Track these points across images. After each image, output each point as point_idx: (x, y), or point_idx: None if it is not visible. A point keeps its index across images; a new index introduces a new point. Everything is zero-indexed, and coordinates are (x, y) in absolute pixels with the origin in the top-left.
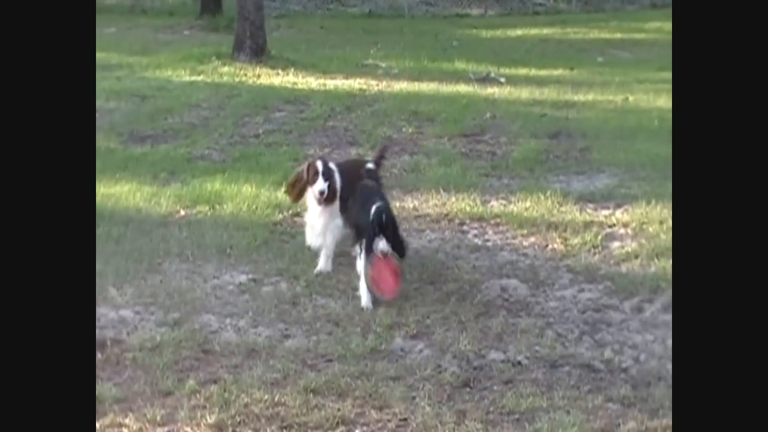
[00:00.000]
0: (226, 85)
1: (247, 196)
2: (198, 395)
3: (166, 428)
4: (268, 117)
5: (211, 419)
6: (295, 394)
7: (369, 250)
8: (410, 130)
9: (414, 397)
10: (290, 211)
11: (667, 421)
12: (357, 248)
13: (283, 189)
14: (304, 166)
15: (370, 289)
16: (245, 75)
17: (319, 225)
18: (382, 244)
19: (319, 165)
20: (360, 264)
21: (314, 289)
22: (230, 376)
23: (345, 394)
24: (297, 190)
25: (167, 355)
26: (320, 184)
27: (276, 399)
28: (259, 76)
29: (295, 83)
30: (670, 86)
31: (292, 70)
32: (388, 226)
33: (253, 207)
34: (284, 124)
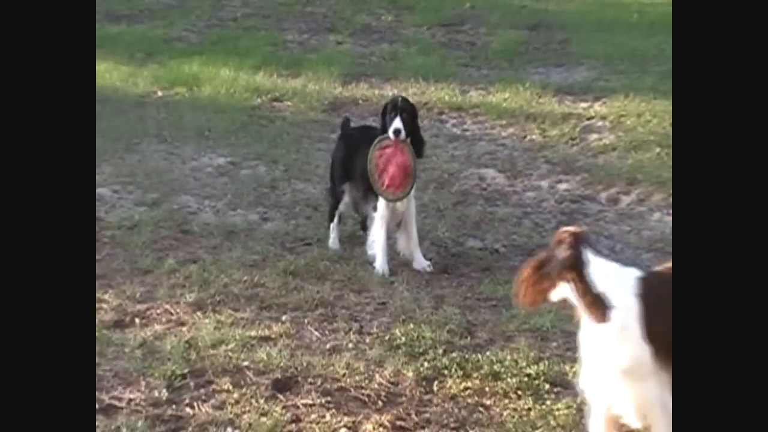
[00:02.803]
0: None
1: (225, 80)
2: (177, 274)
3: (145, 305)
4: (246, 1)
5: (190, 298)
6: (274, 275)
7: (383, 133)
8: (389, 19)
9: (393, 282)
10: (269, 96)
11: None
12: (365, 212)
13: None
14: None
15: (374, 186)
16: None
17: None
18: (396, 122)
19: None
20: (374, 230)
21: (293, 173)
22: (209, 257)
23: (324, 277)
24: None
25: (146, 234)
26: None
27: (255, 280)
28: None
29: None
30: None
31: None
32: (406, 109)
33: (232, 90)
34: (262, 8)
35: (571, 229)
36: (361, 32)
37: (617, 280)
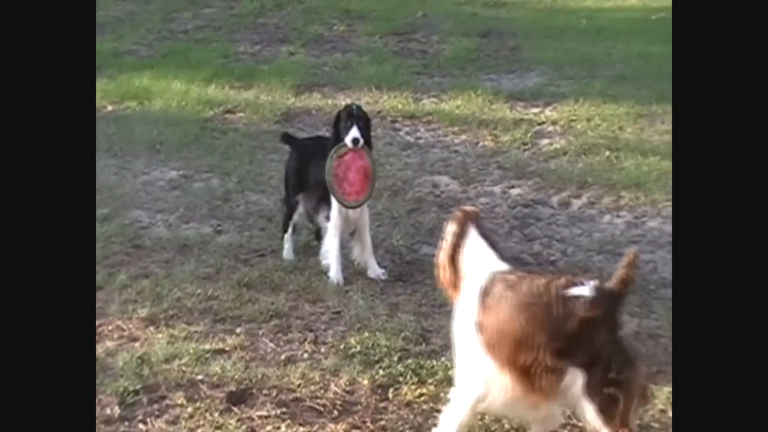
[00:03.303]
0: None
1: (177, 92)
2: (129, 289)
3: (98, 321)
4: (197, 13)
5: (143, 313)
6: (228, 288)
7: (336, 143)
8: (342, 28)
9: (347, 291)
10: (221, 108)
11: None
12: (318, 221)
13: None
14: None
15: (335, 195)
16: None
17: None
18: (354, 131)
19: None
20: (328, 239)
21: (246, 185)
22: (162, 271)
23: (278, 288)
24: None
25: (97, 250)
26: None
27: (209, 293)
28: None
29: None
30: None
31: None
32: (361, 117)
33: (183, 103)
34: (214, 21)
35: (465, 207)
36: (313, 42)
37: (478, 266)
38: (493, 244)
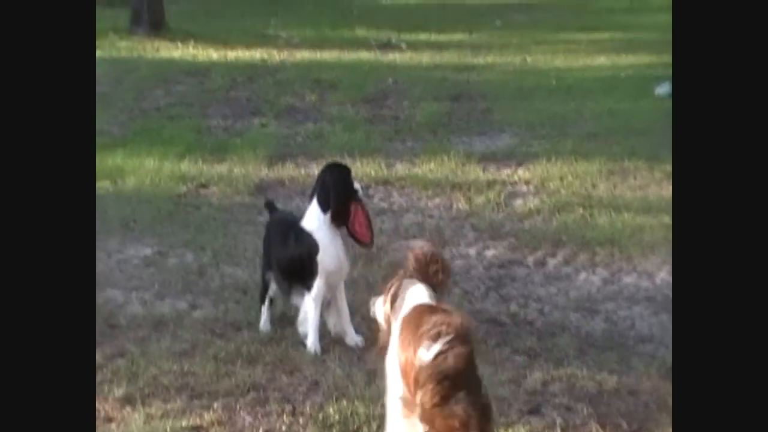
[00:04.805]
0: (123, 59)
1: (150, 170)
2: (105, 369)
3: None
4: (169, 90)
5: (119, 393)
6: (204, 363)
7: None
8: (313, 98)
9: (324, 360)
10: (194, 182)
11: (572, 369)
12: (293, 297)
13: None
14: None
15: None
16: (144, 49)
17: None
18: (356, 184)
19: None
20: (307, 308)
21: (221, 258)
22: (137, 349)
23: (255, 360)
24: None
25: None
26: None
27: (185, 369)
28: (158, 50)
29: (195, 55)
30: (566, 46)
31: (192, 42)
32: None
33: (157, 180)
34: (185, 97)
35: (416, 249)
36: (285, 113)
37: (407, 299)
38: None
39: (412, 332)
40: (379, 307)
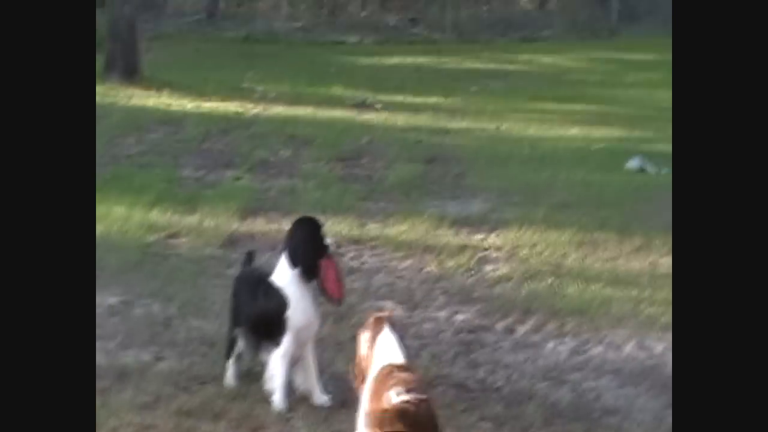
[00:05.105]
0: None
1: (118, 218)
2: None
3: None
4: (141, 138)
5: None
6: (167, 416)
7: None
8: (287, 154)
9: (290, 418)
10: (164, 232)
11: None
12: (261, 353)
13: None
14: None
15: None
16: (116, 95)
17: None
18: (329, 239)
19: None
20: (275, 365)
21: (188, 310)
22: (99, 400)
23: (219, 416)
24: None
25: None
26: None
27: (147, 422)
28: (131, 97)
29: (169, 105)
30: (540, 115)
31: (167, 91)
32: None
33: (125, 228)
34: (158, 146)
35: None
36: (259, 167)
37: (380, 357)
38: (401, 341)
39: (383, 385)
40: (363, 343)
